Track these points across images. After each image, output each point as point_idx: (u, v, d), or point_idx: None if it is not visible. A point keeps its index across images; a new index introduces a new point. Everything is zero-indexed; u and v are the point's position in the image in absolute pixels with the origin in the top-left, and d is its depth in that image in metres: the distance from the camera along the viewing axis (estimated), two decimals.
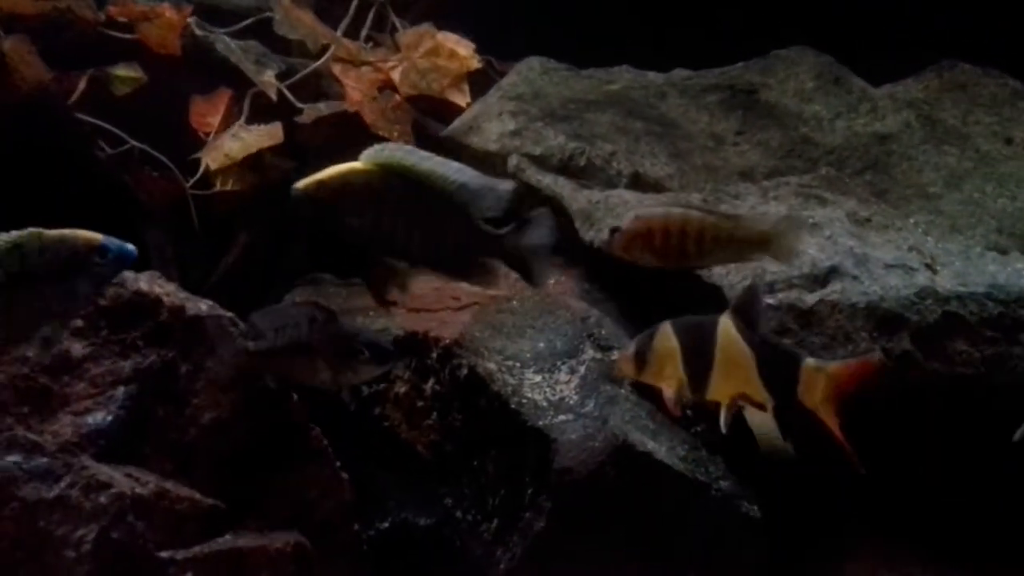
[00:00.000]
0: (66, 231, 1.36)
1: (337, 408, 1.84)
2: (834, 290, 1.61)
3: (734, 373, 1.40)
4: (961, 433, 1.61)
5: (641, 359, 1.48)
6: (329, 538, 1.60)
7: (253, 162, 2.12)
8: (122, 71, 2.11)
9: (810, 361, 1.38)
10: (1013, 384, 1.59)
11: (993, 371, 1.58)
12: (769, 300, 1.63)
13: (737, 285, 1.66)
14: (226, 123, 2.12)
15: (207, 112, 2.14)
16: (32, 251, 1.32)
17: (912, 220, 1.77)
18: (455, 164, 1.54)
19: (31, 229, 1.34)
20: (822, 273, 1.63)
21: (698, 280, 1.72)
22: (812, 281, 1.63)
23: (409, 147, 1.56)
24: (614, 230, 1.54)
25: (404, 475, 1.82)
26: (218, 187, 2.12)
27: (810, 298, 1.61)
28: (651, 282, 1.80)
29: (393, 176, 1.51)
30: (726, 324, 1.42)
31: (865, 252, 1.66)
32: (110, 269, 1.35)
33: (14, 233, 1.34)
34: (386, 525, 1.79)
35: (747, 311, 1.41)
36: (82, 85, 2.09)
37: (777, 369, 1.39)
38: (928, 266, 1.65)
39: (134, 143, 2.13)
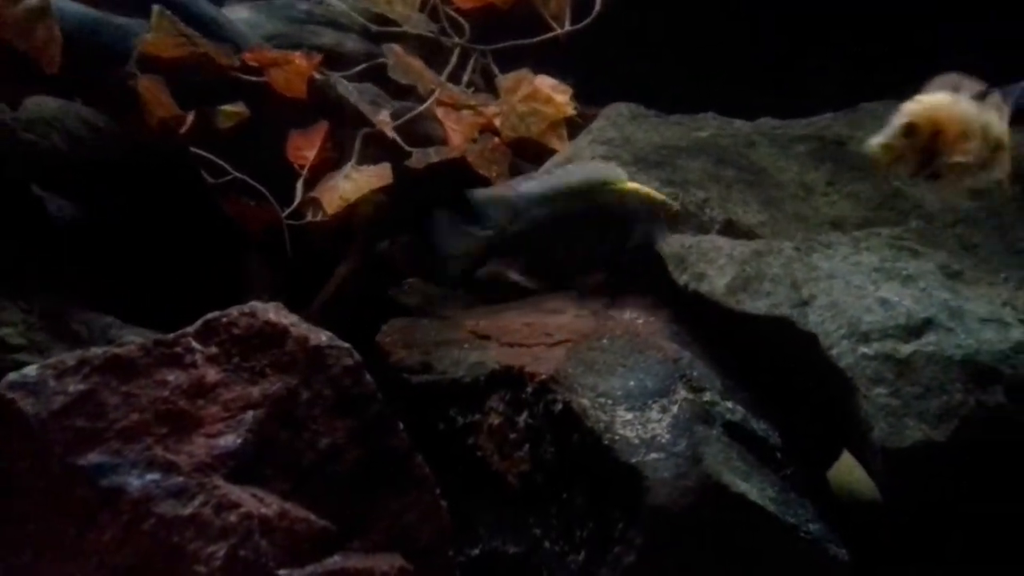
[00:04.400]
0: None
1: (434, 437, 1.92)
2: (929, 341, 1.65)
3: None
4: None
5: None
6: (428, 562, 1.66)
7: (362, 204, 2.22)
8: (226, 107, 2.24)
9: None
10: None
11: None
12: (864, 349, 1.67)
13: (832, 333, 1.71)
14: (321, 155, 2.24)
15: (303, 146, 2.26)
16: None
17: (1003, 275, 1.80)
18: None
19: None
20: (917, 324, 1.67)
21: (793, 327, 1.77)
22: (907, 332, 1.67)
23: None
24: None
25: (494, 504, 1.88)
26: (309, 217, 2.22)
27: (905, 348, 1.65)
28: (742, 327, 1.85)
29: None
30: None
31: (959, 305, 1.70)
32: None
33: None
34: (476, 552, 1.85)
35: None
36: (190, 119, 2.23)
37: None
38: (1022, 321, 1.68)
39: (235, 173, 2.26)
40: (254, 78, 2.08)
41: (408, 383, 2.00)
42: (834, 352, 1.69)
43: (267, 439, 1.55)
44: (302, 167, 2.26)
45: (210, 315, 1.57)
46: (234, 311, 1.57)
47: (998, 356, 1.63)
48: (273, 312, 1.59)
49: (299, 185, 2.26)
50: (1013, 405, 1.61)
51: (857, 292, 1.74)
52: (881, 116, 2.15)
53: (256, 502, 1.49)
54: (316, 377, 1.60)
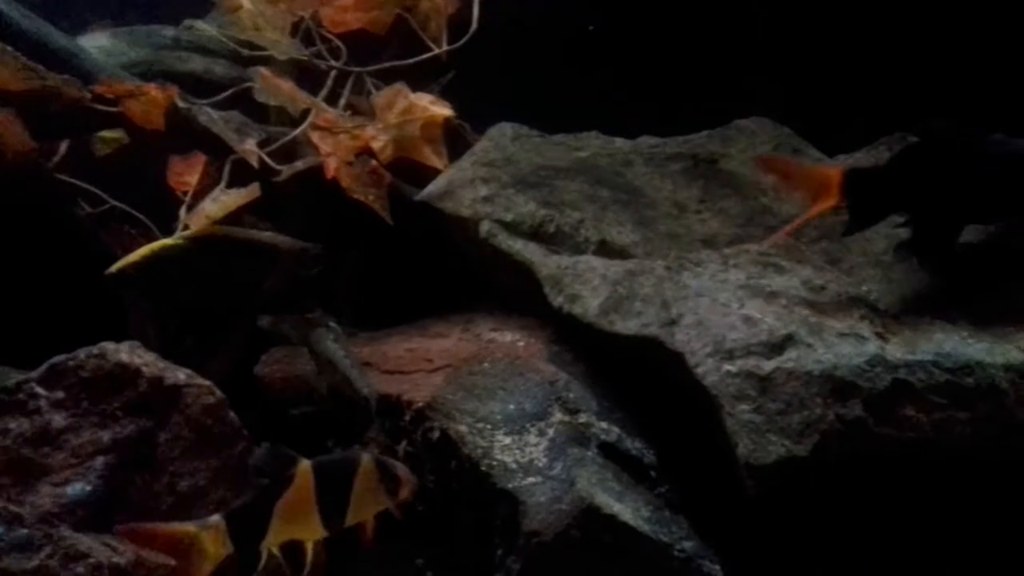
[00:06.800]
0: None
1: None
2: (790, 357, 1.68)
3: None
4: (912, 495, 1.68)
5: None
6: None
7: (231, 223, 2.17)
8: (105, 133, 2.18)
9: None
10: (958, 448, 1.67)
11: (940, 436, 1.66)
12: (728, 367, 1.69)
13: (698, 351, 1.73)
14: (203, 182, 2.19)
15: (184, 172, 2.21)
16: None
17: (864, 287, 1.85)
18: None
19: None
20: (778, 341, 1.70)
21: (661, 346, 1.78)
22: (769, 348, 1.70)
23: None
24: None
25: (377, 536, 1.86)
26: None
27: (767, 365, 1.68)
28: (616, 347, 1.87)
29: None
30: None
31: (819, 320, 1.73)
32: None
33: None
34: None
35: None
36: (63, 149, 2.16)
37: None
38: (879, 334, 1.72)
39: (113, 202, 2.20)
40: (114, 108, 2.02)
41: (287, 415, 1.96)
42: (699, 370, 1.71)
43: (121, 484, 1.51)
44: (184, 193, 2.21)
45: (56, 359, 1.52)
46: (81, 353, 1.52)
47: (855, 370, 1.66)
48: (126, 353, 1.55)
49: (182, 211, 2.21)
50: (871, 418, 1.65)
51: (723, 310, 1.76)
52: (754, 133, 2.20)
53: (108, 551, 1.45)
54: (174, 418, 1.56)
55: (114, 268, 1.80)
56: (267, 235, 1.93)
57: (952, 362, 1.67)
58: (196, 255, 1.87)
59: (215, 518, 1.42)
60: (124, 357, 1.54)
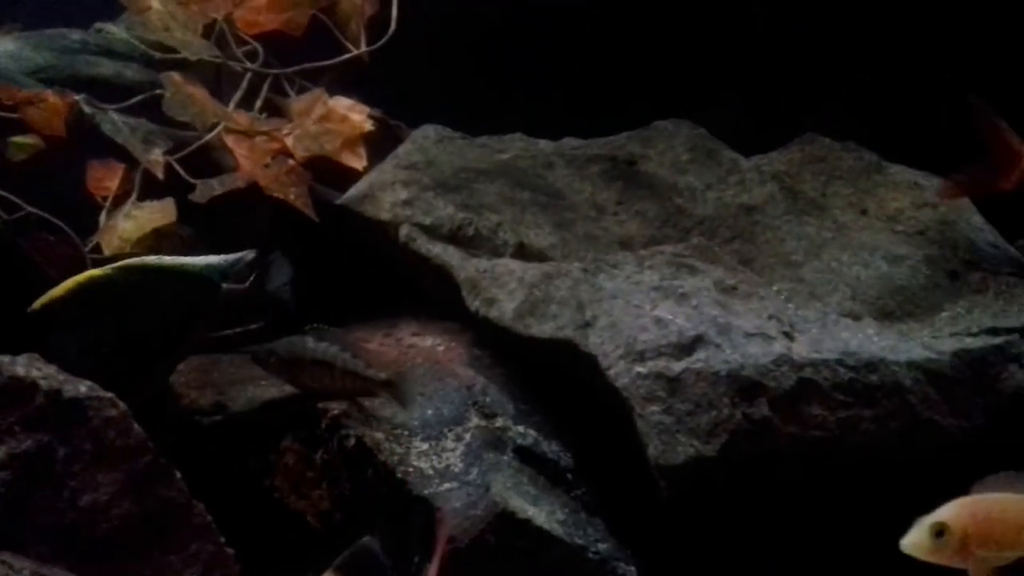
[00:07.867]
0: None
1: (228, 481, 1.87)
2: (699, 358, 1.69)
3: None
4: (821, 495, 1.70)
5: None
6: None
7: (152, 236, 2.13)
8: (18, 138, 2.12)
9: None
10: (864, 445, 1.69)
11: (846, 433, 1.68)
12: (639, 368, 1.70)
13: (611, 353, 1.74)
14: (124, 186, 2.15)
15: (104, 177, 2.17)
16: None
17: (775, 288, 1.87)
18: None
19: None
20: (688, 342, 1.72)
21: (576, 349, 1.79)
22: (679, 349, 1.71)
23: None
24: None
25: (296, 546, 1.84)
26: (107, 253, 2.13)
27: (677, 366, 1.69)
28: (532, 350, 1.87)
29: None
30: None
31: (728, 321, 1.75)
32: None
33: None
34: None
35: None
36: None
37: None
38: (786, 334, 1.74)
39: (30, 209, 2.15)
40: (12, 115, 1.98)
41: (200, 425, 1.94)
42: (611, 372, 1.72)
43: (18, 501, 1.47)
44: (104, 198, 2.17)
45: None
46: None
47: (761, 370, 1.68)
48: (22, 366, 1.52)
49: (103, 217, 2.17)
50: (777, 417, 1.67)
51: (636, 312, 1.77)
52: (671, 134, 2.22)
53: (4, 568, 1.41)
54: (74, 431, 1.53)
55: (37, 305, 1.71)
56: (200, 260, 1.84)
57: (856, 360, 1.70)
58: (125, 286, 1.79)
59: None
60: (20, 370, 1.51)
